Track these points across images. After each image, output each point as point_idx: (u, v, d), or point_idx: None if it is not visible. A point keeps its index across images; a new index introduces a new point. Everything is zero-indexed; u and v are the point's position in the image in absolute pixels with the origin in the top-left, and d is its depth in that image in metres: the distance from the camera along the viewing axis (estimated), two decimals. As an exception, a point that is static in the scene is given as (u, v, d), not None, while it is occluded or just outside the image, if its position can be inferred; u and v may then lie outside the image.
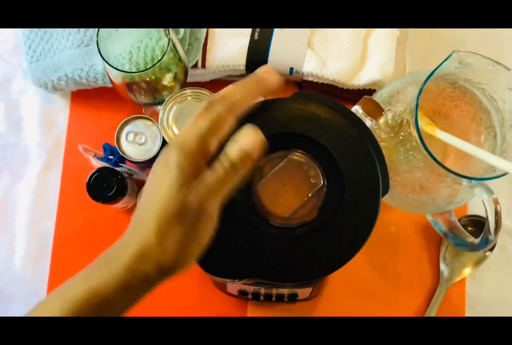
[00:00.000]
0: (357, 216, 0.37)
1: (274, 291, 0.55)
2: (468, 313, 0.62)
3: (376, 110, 0.40)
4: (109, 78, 0.51)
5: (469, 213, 0.63)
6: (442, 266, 0.62)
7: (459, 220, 0.58)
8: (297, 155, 0.38)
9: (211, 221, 0.34)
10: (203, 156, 0.34)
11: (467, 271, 0.62)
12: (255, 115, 0.37)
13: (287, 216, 0.38)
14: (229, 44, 0.58)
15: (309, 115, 0.38)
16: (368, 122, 0.38)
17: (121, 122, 0.51)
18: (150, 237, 0.33)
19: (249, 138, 0.34)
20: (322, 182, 0.38)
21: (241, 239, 0.36)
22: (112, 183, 0.51)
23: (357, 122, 0.39)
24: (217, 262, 0.37)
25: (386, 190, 0.39)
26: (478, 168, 0.51)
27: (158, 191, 0.33)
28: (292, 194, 0.38)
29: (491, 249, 0.63)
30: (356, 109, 0.40)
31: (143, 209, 0.35)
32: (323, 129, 0.38)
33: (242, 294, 0.56)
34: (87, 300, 0.33)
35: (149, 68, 0.47)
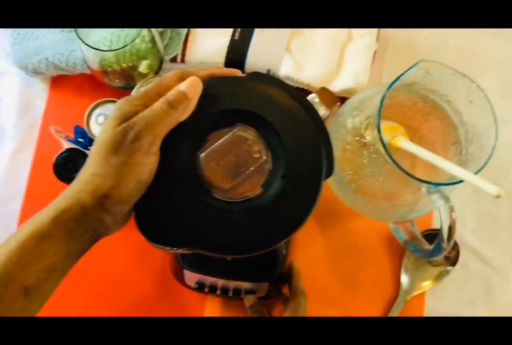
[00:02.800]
0: (298, 195, 0.38)
1: (232, 285, 0.55)
2: (425, 327, 0.62)
3: (331, 100, 0.41)
4: (87, 64, 0.52)
5: (434, 226, 0.64)
6: (403, 277, 0.62)
7: (422, 233, 0.59)
8: (242, 130, 0.39)
9: (147, 155, 0.36)
10: (143, 104, 0.37)
11: (426, 283, 0.62)
12: (206, 90, 0.38)
13: (228, 188, 0.38)
14: (209, 42, 0.60)
15: (260, 94, 0.39)
16: (322, 111, 0.39)
17: (91, 105, 0.52)
18: (88, 169, 0.36)
19: (186, 82, 0.38)
20: (264, 157, 0.39)
21: (183, 208, 0.37)
22: (79, 164, 0.51)
23: (307, 105, 0.40)
24: (157, 229, 0.37)
25: (330, 172, 0.40)
26: (444, 179, 0.52)
27: (101, 133, 0.36)
28: (234, 166, 0.38)
29: (453, 264, 0.63)
30: (312, 97, 0.41)
31: (90, 153, 0.37)
32: (272, 108, 0.39)
33: (200, 286, 0.56)
34: (30, 234, 0.34)
35: (120, 48, 0.47)
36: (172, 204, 0.37)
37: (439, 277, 0.63)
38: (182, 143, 0.38)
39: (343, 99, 0.61)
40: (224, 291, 0.56)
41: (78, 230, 0.35)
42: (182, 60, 0.59)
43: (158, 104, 0.36)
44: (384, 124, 0.48)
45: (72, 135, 0.55)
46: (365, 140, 0.51)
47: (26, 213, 0.62)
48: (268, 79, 0.41)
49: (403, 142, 0.49)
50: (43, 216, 0.35)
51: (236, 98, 0.39)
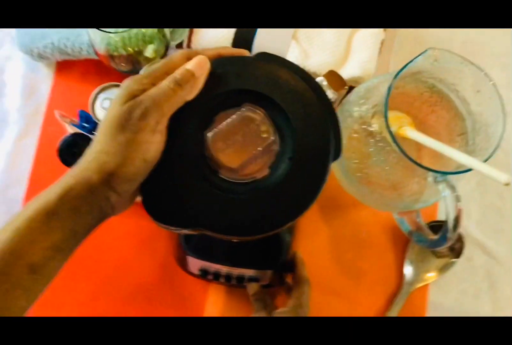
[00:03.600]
0: (306, 177, 0.37)
1: (235, 273, 0.55)
2: (428, 319, 0.62)
3: (339, 83, 0.41)
4: (93, 48, 0.52)
5: (438, 218, 0.63)
6: (407, 269, 0.62)
7: (427, 224, 0.58)
8: (250, 110, 0.39)
9: (153, 134, 0.36)
10: (150, 83, 0.36)
11: (430, 275, 0.62)
12: (213, 70, 0.38)
13: (235, 168, 0.38)
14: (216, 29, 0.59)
15: (268, 75, 0.39)
16: (330, 94, 0.39)
17: (97, 89, 0.52)
18: (95, 147, 0.36)
19: (192, 61, 0.37)
20: (272, 137, 0.38)
21: (189, 188, 0.37)
22: (84, 149, 0.50)
23: (316, 87, 0.39)
24: (163, 209, 0.37)
25: (337, 154, 0.39)
26: (450, 169, 0.52)
27: (108, 111, 0.36)
28: (241, 146, 0.38)
29: (457, 256, 0.63)
30: (321, 80, 0.40)
31: (97, 131, 0.37)
32: (280, 89, 0.38)
33: (203, 273, 0.56)
34: (36, 212, 0.34)
35: (127, 30, 0.47)
36: (178, 183, 0.37)
37: (443, 269, 0.63)
38: (189, 122, 0.38)
39: (349, 88, 0.61)
40: (228, 278, 0.56)
41: (85, 208, 0.35)
42: (188, 46, 0.59)
43: (165, 83, 0.36)
44: (390, 114, 0.47)
45: (77, 120, 0.55)
46: (371, 129, 0.50)
47: (30, 198, 0.61)
48: (276, 59, 0.41)
49: (410, 132, 0.49)
50: (50, 193, 0.34)
51: (243, 78, 0.39)
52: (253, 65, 0.40)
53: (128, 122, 0.35)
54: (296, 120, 0.38)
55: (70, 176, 0.35)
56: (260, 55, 0.41)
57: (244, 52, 0.41)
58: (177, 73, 0.37)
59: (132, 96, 0.36)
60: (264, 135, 0.38)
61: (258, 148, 0.38)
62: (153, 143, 0.36)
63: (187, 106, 0.37)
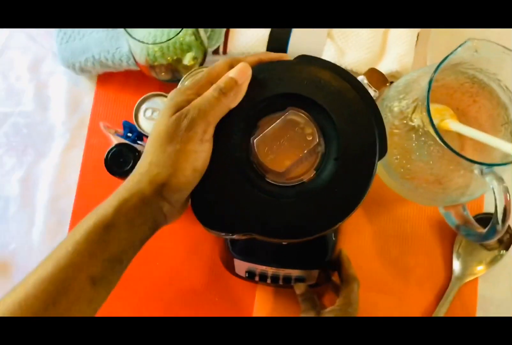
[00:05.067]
0: (352, 177, 0.38)
1: (281, 273, 0.55)
2: (479, 313, 0.61)
3: (380, 81, 0.41)
4: (133, 58, 0.53)
5: (485, 210, 0.63)
6: (455, 263, 0.62)
7: (474, 217, 0.58)
8: (294, 114, 0.39)
9: (201, 143, 0.36)
10: (195, 93, 0.37)
11: (480, 268, 0.61)
12: (255, 76, 0.39)
13: (282, 172, 0.38)
14: (250, 32, 0.60)
15: (309, 77, 0.39)
16: (372, 92, 0.39)
17: (139, 99, 0.53)
18: (146, 159, 0.37)
19: (235, 69, 0.38)
20: (317, 139, 0.38)
21: (238, 194, 0.37)
22: (129, 158, 0.52)
23: (358, 86, 0.39)
24: (213, 215, 0.38)
25: (383, 154, 0.39)
26: (494, 160, 0.51)
27: (156, 123, 0.37)
28: (287, 150, 0.38)
29: (506, 248, 0.62)
30: (362, 79, 0.40)
31: (146, 143, 0.38)
32: (322, 91, 0.39)
33: (250, 275, 0.56)
34: (94, 225, 0.35)
35: (166, 41, 0.48)
36: (227, 190, 0.37)
37: (492, 262, 0.62)
38: (234, 129, 0.38)
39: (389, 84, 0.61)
40: (274, 279, 0.57)
41: (140, 219, 0.36)
42: (224, 52, 0.60)
43: (209, 92, 0.37)
44: (431, 107, 0.47)
45: (121, 130, 0.56)
46: (412, 124, 0.50)
47: (78, 209, 0.64)
48: (317, 61, 0.41)
49: (453, 124, 0.49)
50: (106, 206, 0.36)
51: (285, 82, 0.39)
52: (294, 68, 0.40)
53: (177, 134, 0.36)
54: (340, 121, 0.38)
55: (124, 189, 0.36)
56: (300, 58, 0.42)
57: (284, 56, 0.42)
58: (221, 82, 0.38)
59: (179, 107, 0.37)
60: (309, 138, 0.39)
61: (304, 151, 0.38)
62: (201, 152, 0.37)
63: (232, 113, 0.38)
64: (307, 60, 0.41)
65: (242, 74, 0.38)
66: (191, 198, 0.38)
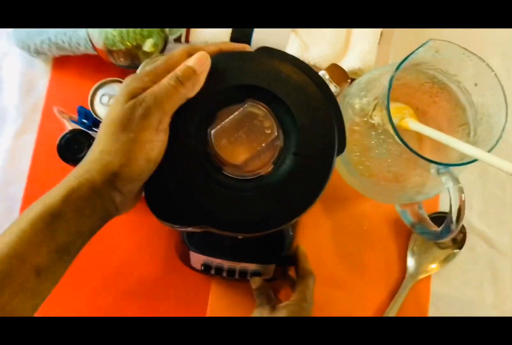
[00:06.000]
0: (310, 172, 0.37)
1: (238, 267, 0.55)
2: (432, 311, 0.62)
3: (341, 77, 0.40)
4: (91, 42, 0.52)
5: (440, 210, 0.63)
6: (410, 260, 0.62)
7: (429, 215, 0.58)
8: (253, 106, 0.38)
9: (156, 132, 0.35)
10: (151, 80, 0.36)
11: (433, 266, 0.62)
12: (214, 66, 0.38)
13: (239, 165, 0.38)
14: (214, 21, 0.59)
15: (270, 70, 0.39)
16: (332, 88, 0.39)
17: (96, 85, 0.51)
18: (97, 147, 0.35)
19: (193, 57, 0.37)
20: (276, 133, 0.38)
21: (194, 186, 0.37)
22: (83, 145, 0.50)
23: (319, 81, 0.39)
24: (167, 207, 0.37)
25: (341, 149, 0.39)
26: (452, 160, 0.52)
27: (109, 110, 0.36)
28: (245, 142, 0.38)
29: (460, 247, 0.63)
30: (323, 74, 0.40)
31: (99, 130, 0.36)
32: (282, 84, 0.38)
33: (206, 268, 0.56)
34: (40, 214, 0.33)
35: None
36: (182, 181, 0.37)
37: (445, 260, 0.63)
38: (191, 120, 0.37)
39: (350, 80, 0.61)
40: (230, 273, 0.56)
41: (89, 209, 0.35)
42: (187, 40, 0.59)
43: (166, 80, 0.36)
44: (392, 106, 0.47)
45: (75, 116, 0.55)
46: (373, 121, 0.50)
47: (29, 195, 0.62)
48: (278, 54, 0.40)
49: (412, 124, 0.49)
50: (54, 195, 0.34)
51: (245, 73, 0.38)
52: (255, 60, 0.39)
53: (131, 122, 0.34)
54: (300, 115, 0.38)
55: (73, 177, 0.35)
56: (261, 50, 0.41)
57: (245, 47, 0.41)
58: (178, 70, 0.36)
59: (134, 94, 0.35)
60: (268, 131, 0.38)
61: (262, 145, 0.38)
62: (156, 142, 0.35)
63: (189, 103, 0.37)
64: (268, 53, 0.41)
65: (200, 63, 0.37)
66: (145, 189, 0.37)
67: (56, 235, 0.34)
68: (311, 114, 0.38)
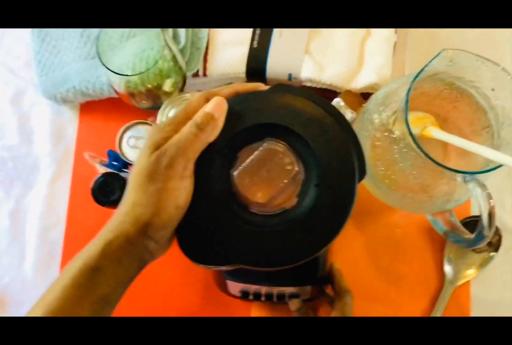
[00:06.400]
0: (334, 201, 0.38)
1: (275, 291, 0.56)
2: (474, 316, 0.61)
3: (356, 102, 0.41)
4: (113, 88, 0.54)
5: (472, 213, 0.63)
6: (447, 268, 0.62)
7: (461, 221, 0.58)
8: (272, 144, 0.40)
9: (182, 180, 0.37)
10: (173, 130, 0.38)
11: (471, 272, 0.62)
12: (231, 108, 0.39)
13: (264, 203, 0.39)
14: (229, 53, 0.60)
15: (285, 106, 0.40)
16: (349, 114, 0.40)
17: (122, 128, 0.53)
18: (128, 199, 0.37)
19: (210, 103, 0.39)
20: (297, 168, 0.39)
21: (222, 227, 0.38)
22: (115, 187, 0.52)
23: (333, 111, 0.40)
24: (199, 249, 0.38)
25: (362, 175, 0.40)
26: (478, 165, 0.52)
27: (136, 163, 0.38)
28: (268, 180, 0.39)
29: (496, 250, 0.62)
30: (338, 101, 0.41)
31: (128, 183, 0.38)
32: (298, 119, 0.39)
33: (244, 295, 0.57)
34: (80, 269, 0.35)
35: (145, 71, 0.49)
36: (211, 223, 0.38)
37: (483, 264, 0.62)
38: (214, 163, 0.39)
39: (367, 95, 0.61)
40: (269, 297, 0.56)
41: (126, 259, 0.36)
42: (204, 74, 0.60)
43: (186, 128, 0.37)
44: (412, 116, 0.47)
45: (106, 159, 0.57)
46: (394, 136, 0.50)
47: (69, 239, 0.64)
48: (291, 90, 0.42)
49: (435, 132, 0.49)
50: (92, 249, 0.36)
51: (262, 112, 0.40)
52: (269, 98, 0.40)
53: (157, 173, 0.36)
54: (318, 147, 0.39)
55: (109, 231, 0.37)
56: (275, 88, 0.42)
57: (259, 86, 0.42)
58: (197, 117, 0.38)
59: (158, 145, 0.37)
60: (289, 167, 0.39)
61: (284, 181, 0.39)
62: (183, 189, 0.37)
63: (210, 147, 0.38)
64: (282, 89, 0.42)
65: (218, 108, 0.39)
66: (176, 234, 0.39)
67: (97, 288, 0.35)
68: (329, 145, 0.39)
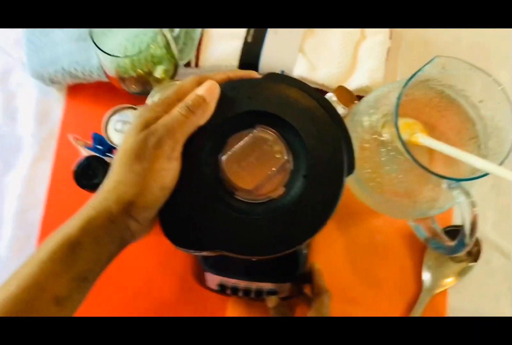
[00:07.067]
0: (321, 194, 0.38)
1: (253, 286, 0.55)
2: (449, 325, 0.62)
3: (348, 98, 0.41)
4: (103, 70, 0.53)
5: (454, 223, 0.63)
6: (425, 275, 0.62)
7: (443, 229, 0.58)
8: (262, 131, 0.39)
9: (169, 161, 0.36)
10: (163, 110, 0.37)
11: (449, 280, 0.62)
12: (223, 94, 0.39)
13: (251, 190, 0.38)
14: (222, 45, 0.60)
15: (278, 95, 0.39)
16: (340, 109, 0.39)
17: (109, 112, 0.52)
18: (112, 177, 0.36)
19: (203, 86, 0.38)
20: (286, 157, 0.39)
21: (207, 212, 0.37)
22: (98, 171, 0.51)
23: (326, 104, 0.40)
24: (182, 233, 0.37)
25: (351, 170, 0.40)
26: (464, 174, 0.52)
27: (123, 141, 0.37)
28: (256, 167, 0.38)
29: (475, 260, 0.62)
30: (330, 96, 0.41)
31: (113, 161, 0.37)
32: (290, 108, 0.39)
33: (221, 288, 0.56)
34: (59, 244, 0.34)
35: (136, 54, 0.48)
36: (196, 207, 0.37)
37: (461, 273, 0.62)
38: (203, 147, 0.38)
39: (358, 98, 0.61)
40: (246, 292, 0.56)
41: (106, 238, 0.36)
42: (196, 65, 0.60)
43: (177, 110, 0.37)
44: (401, 122, 0.47)
45: (90, 142, 0.56)
46: (382, 138, 0.50)
47: (47, 222, 0.63)
48: (285, 79, 0.41)
49: (423, 139, 0.49)
50: (71, 225, 0.35)
51: (254, 100, 0.39)
52: (262, 86, 0.40)
53: (144, 152, 0.35)
54: (309, 138, 0.38)
55: (90, 207, 0.36)
56: (269, 76, 0.42)
57: (252, 73, 0.42)
58: (188, 99, 0.37)
59: (146, 125, 0.36)
60: (278, 156, 0.39)
61: (272, 169, 0.39)
62: (169, 171, 0.36)
63: (200, 131, 0.38)
64: (275, 78, 0.41)
65: (210, 91, 0.38)
66: (159, 216, 0.38)
67: (75, 264, 0.34)
68: (320, 137, 0.38)
